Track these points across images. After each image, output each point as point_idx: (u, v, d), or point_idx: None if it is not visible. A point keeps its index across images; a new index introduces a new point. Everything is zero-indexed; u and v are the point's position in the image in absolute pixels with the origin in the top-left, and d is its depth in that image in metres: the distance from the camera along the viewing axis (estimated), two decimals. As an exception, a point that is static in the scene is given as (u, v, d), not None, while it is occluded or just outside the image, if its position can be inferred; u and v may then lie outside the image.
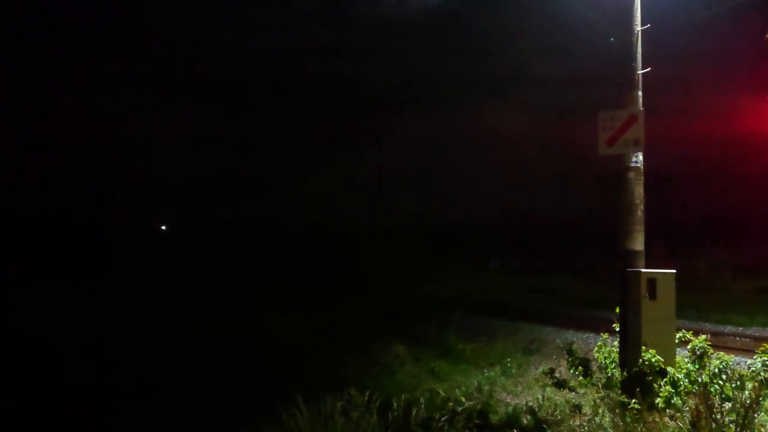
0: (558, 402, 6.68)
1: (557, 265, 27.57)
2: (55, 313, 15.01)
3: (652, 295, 6.57)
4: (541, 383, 7.92)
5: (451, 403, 6.25)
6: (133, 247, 48.10)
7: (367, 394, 5.25)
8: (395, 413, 5.23)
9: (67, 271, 27.75)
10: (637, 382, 6.14)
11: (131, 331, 12.65)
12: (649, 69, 6.96)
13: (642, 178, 6.93)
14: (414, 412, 5.30)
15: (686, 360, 6.56)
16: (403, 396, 5.81)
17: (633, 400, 5.80)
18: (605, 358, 7.12)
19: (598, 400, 6.29)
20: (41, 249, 32.89)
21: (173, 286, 27.29)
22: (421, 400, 5.97)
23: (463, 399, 6.61)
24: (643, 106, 6.92)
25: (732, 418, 4.76)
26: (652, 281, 6.60)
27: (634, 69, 6.92)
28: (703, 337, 6.58)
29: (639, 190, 6.89)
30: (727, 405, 5.25)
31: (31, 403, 7.13)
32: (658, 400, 5.93)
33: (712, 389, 5.81)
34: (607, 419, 5.58)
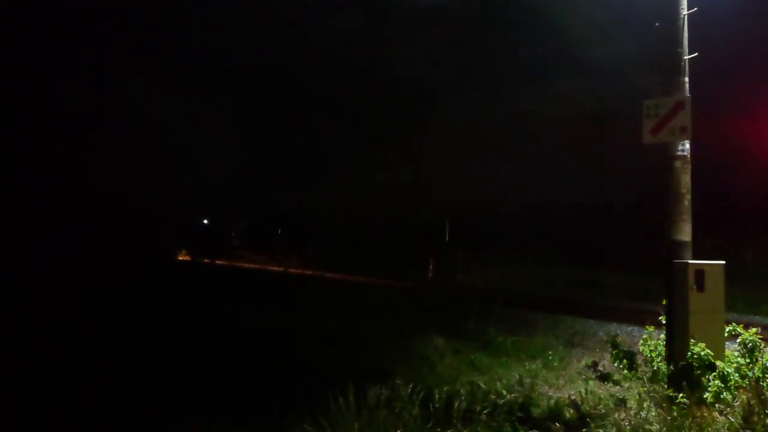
0: (602, 395, 6.58)
1: (599, 256, 27.05)
2: (117, 307, 15.48)
3: (700, 287, 6.40)
4: (584, 376, 7.80)
5: (492, 396, 6.21)
6: (177, 240, 49.22)
7: (411, 386, 5.27)
8: (437, 405, 5.24)
9: (115, 264, 28.66)
10: (685, 376, 6.00)
11: (172, 321, 12.97)
12: (696, 54, 6.74)
13: (689, 166, 6.73)
14: (455, 405, 5.30)
15: (736, 354, 6.37)
16: (445, 388, 5.81)
17: (680, 395, 5.67)
18: (651, 351, 6.97)
19: (643, 394, 6.17)
20: (92, 243, 34.05)
21: (214, 278, 27.89)
22: (462, 392, 5.96)
23: (505, 392, 6.56)
24: (689, 92, 6.72)
25: (786, 414, 4.61)
26: (699, 273, 6.43)
27: (680, 54, 6.72)
28: (754, 330, 6.38)
29: (686, 179, 6.70)
30: (781, 400, 5.08)
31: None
32: (707, 394, 5.78)
33: (764, 384, 5.64)
34: (654, 413, 5.47)
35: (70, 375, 8.04)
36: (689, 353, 6.10)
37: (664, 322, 6.82)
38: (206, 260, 44.57)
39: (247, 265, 43.36)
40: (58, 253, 30.67)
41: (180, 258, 49.19)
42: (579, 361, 8.86)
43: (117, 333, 11.38)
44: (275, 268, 38.55)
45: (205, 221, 60.93)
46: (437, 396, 5.38)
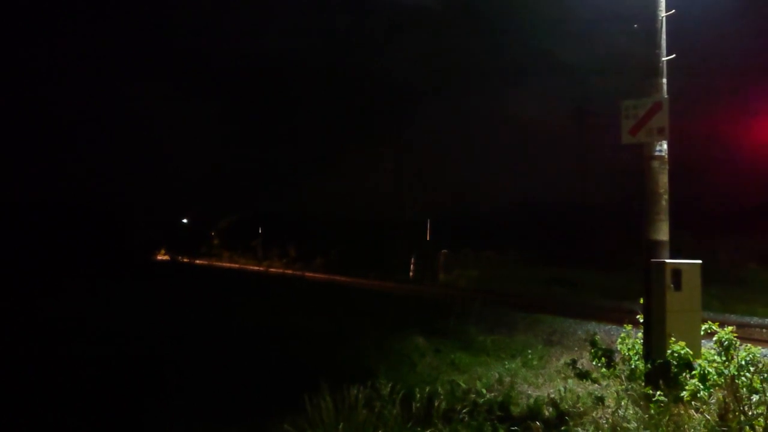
0: (580, 394, 6.63)
1: (578, 256, 27.32)
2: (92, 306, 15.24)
3: (677, 286, 6.45)
4: (563, 375, 7.86)
5: (472, 395, 6.22)
6: (156, 238, 48.64)
7: (390, 385, 5.25)
8: (418, 405, 5.22)
9: (95, 264, 28.26)
10: (662, 374, 6.05)
11: (153, 320, 12.80)
12: (674, 56, 6.80)
13: (666, 166, 6.79)
14: (436, 404, 5.29)
15: (712, 352, 6.44)
16: (427, 388, 5.80)
17: (658, 393, 5.72)
18: (629, 349, 7.02)
19: (621, 392, 6.22)
20: (72, 243, 33.49)
21: (194, 277, 27.58)
22: (443, 391, 5.95)
23: (484, 391, 6.58)
24: (667, 93, 6.78)
25: (761, 411, 4.67)
26: (677, 272, 6.48)
27: (659, 56, 6.77)
28: (730, 328, 6.45)
29: (663, 179, 6.76)
30: (755, 397, 5.15)
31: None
32: (684, 392, 5.84)
33: (739, 381, 5.70)
34: (631, 411, 5.52)
35: (53, 376, 7.91)
36: (669, 351, 6.15)
37: (641, 320, 6.88)
38: (185, 259, 44.12)
39: (227, 265, 43.04)
40: (38, 253, 30.18)
41: (159, 257, 48.62)
42: (558, 360, 8.92)
43: (93, 333, 11.21)
44: (255, 268, 38.30)
45: (185, 220, 60.31)
46: (418, 395, 5.36)
